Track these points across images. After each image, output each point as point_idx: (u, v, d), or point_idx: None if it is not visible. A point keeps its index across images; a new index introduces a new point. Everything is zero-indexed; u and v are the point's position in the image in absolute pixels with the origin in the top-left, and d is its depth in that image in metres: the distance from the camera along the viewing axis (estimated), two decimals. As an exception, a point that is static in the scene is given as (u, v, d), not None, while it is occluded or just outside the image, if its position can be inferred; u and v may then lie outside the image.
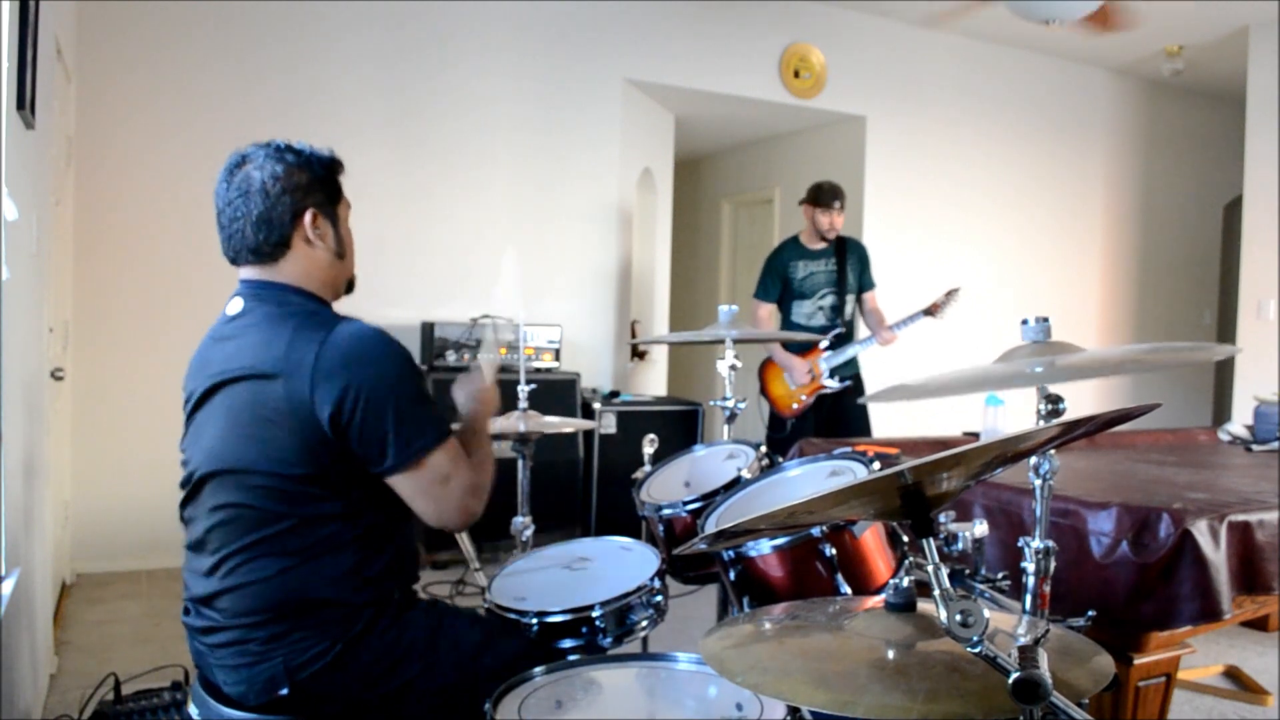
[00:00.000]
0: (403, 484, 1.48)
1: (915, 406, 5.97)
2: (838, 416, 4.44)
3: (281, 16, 4.57)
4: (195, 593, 1.52)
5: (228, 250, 1.57)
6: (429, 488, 1.48)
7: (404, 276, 4.73)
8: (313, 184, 1.55)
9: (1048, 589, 1.61)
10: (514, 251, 1.97)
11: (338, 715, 1.49)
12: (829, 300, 4.48)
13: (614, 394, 5.09)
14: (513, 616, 1.73)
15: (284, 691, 1.45)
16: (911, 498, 0.99)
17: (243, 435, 1.46)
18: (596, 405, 4.81)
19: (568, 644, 1.71)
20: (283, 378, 1.43)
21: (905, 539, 1.77)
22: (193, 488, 1.54)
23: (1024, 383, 1.40)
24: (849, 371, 4.50)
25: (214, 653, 1.49)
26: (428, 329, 4.62)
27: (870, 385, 4.62)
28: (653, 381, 6.13)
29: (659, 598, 1.81)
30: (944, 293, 4.39)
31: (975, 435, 3.31)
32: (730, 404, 2.54)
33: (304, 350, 1.43)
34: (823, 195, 4.39)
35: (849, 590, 1.68)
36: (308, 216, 1.54)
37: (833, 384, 4.37)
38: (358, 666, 1.48)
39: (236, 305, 1.56)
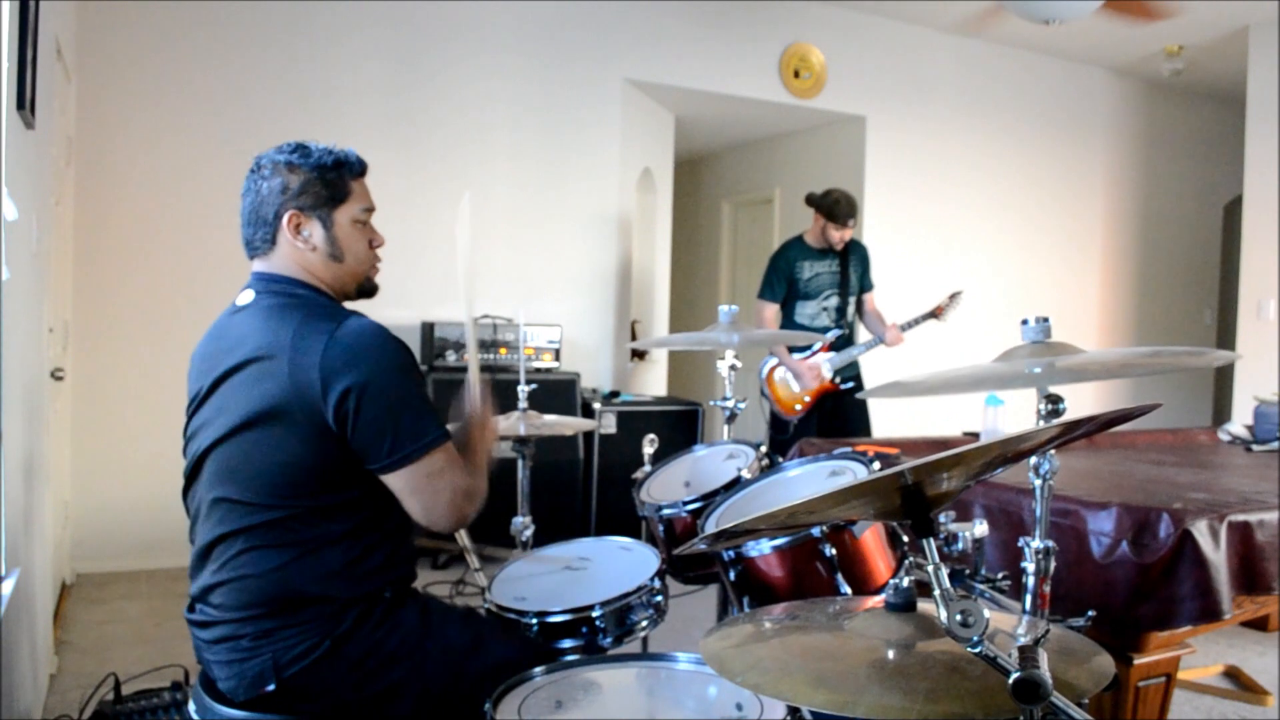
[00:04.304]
0: (396, 481, 1.48)
1: (915, 407, 5.97)
2: (838, 417, 4.45)
3: (282, 17, 4.57)
4: (195, 586, 1.54)
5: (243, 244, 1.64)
6: (422, 486, 1.48)
7: (404, 276, 4.73)
8: (304, 186, 1.56)
9: (1048, 589, 1.61)
10: (467, 202, 1.88)
11: (325, 714, 1.49)
12: (833, 301, 4.48)
13: (614, 394, 5.09)
14: (512, 617, 1.73)
15: (271, 687, 1.45)
16: (911, 498, 0.99)
17: (245, 426, 1.46)
18: (596, 405, 4.81)
19: (567, 644, 1.71)
20: (287, 362, 1.44)
21: (905, 539, 1.77)
22: (191, 474, 1.55)
23: (1021, 383, 1.40)
24: (850, 373, 4.51)
25: (210, 648, 1.51)
26: (428, 329, 4.62)
27: (871, 386, 4.63)
28: (653, 381, 6.13)
29: (659, 598, 1.81)
30: (947, 295, 4.41)
31: (975, 435, 3.31)
32: (730, 404, 2.54)
33: (311, 340, 1.45)
34: (839, 213, 4.32)
35: (849, 590, 1.68)
36: (286, 218, 1.56)
37: (838, 382, 4.39)
38: (345, 664, 1.48)
39: (246, 296, 1.59)
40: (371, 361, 1.45)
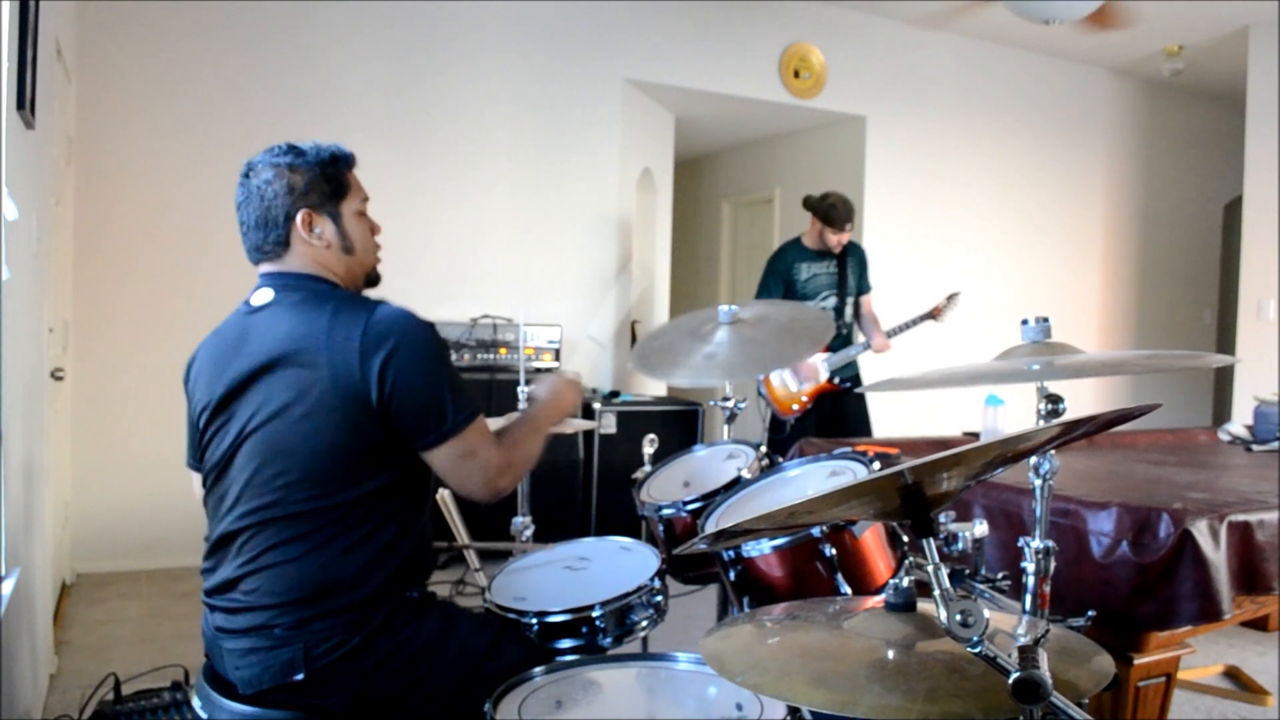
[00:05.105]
0: (437, 456, 1.53)
1: (915, 407, 5.97)
2: (838, 417, 4.45)
3: (282, 17, 4.56)
4: (219, 576, 1.53)
5: (246, 251, 1.64)
6: (459, 462, 1.54)
7: (404, 276, 4.72)
8: (310, 185, 1.58)
9: (1048, 589, 1.61)
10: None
11: (343, 709, 1.49)
12: (830, 302, 4.48)
13: (614, 394, 5.09)
14: (512, 617, 1.73)
15: (300, 676, 1.46)
16: (911, 498, 0.99)
17: (280, 416, 1.48)
18: (596, 405, 4.81)
19: (567, 644, 1.71)
20: (325, 350, 1.47)
21: (905, 539, 1.77)
22: (223, 467, 1.55)
23: (1018, 379, 1.40)
24: (849, 373, 4.51)
25: (234, 637, 1.50)
26: (428, 329, 4.62)
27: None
28: (652, 381, 6.13)
29: (659, 598, 1.81)
30: (945, 296, 4.41)
31: (975, 435, 3.31)
32: (730, 404, 2.54)
33: (348, 330, 1.48)
34: (836, 217, 4.34)
35: (849, 590, 1.68)
36: (299, 218, 1.58)
37: (837, 382, 4.40)
38: (371, 661, 1.49)
39: (265, 295, 1.59)
40: (411, 345, 1.49)
